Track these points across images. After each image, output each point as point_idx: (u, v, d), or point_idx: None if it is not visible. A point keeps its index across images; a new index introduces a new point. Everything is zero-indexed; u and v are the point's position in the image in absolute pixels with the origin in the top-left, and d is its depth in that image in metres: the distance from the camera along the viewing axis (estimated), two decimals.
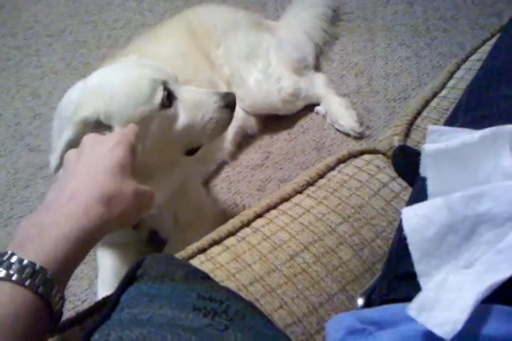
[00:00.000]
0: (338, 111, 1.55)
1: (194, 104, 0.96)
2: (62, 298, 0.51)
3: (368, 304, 0.58)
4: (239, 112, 1.52)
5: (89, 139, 0.67)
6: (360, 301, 0.59)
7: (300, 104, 1.60)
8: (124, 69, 0.97)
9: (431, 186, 0.53)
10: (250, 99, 1.52)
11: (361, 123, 1.53)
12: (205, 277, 0.54)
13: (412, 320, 0.43)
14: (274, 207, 0.74)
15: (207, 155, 1.43)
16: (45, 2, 2.25)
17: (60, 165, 0.85)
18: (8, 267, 0.48)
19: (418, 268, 0.47)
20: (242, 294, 0.60)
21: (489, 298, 0.41)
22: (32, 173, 1.55)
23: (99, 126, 0.85)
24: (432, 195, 0.52)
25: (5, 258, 0.49)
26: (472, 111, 0.65)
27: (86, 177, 0.59)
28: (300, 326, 0.61)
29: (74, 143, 0.82)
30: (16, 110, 1.77)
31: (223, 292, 0.51)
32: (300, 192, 0.76)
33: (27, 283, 0.47)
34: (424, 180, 0.55)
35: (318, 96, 1.60)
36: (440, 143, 0.52)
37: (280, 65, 1.55)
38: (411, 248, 0.47)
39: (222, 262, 0.66)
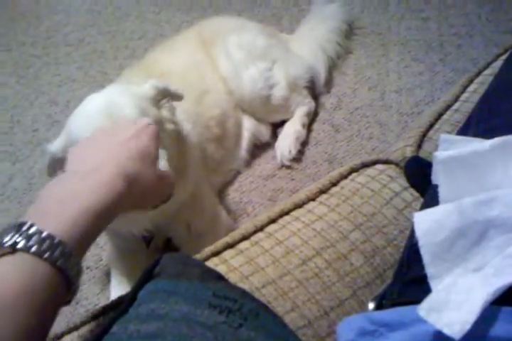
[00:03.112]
0: (286, 136, 1.55)
1: None
2: (80, 271, 0.51)
3: (378, 308, 0.59)
4: (250, 119, 1.54)
5: (121, 123, 0.70)
6: (371, 305, 0.60)
7: (277, 117, 1.61)
8: (90, 110, 0.96)
9: (442, 193, 0.54)
10: (239, 94, 1.50)
11: (294, 159, 1.52)
12: (219, 277, 0.56)
13: (422, 321, 0.44)
14: (287, 212, 0.75)
15: (222, 166, 1.45)
16: (65, 12, 2.30)
17: (49, 173, 1.03)
18: (28, 238, 0.47)
19: (429, 270, 0.48)
20: (255, 296, 0.61)
21: (498, 300, 0.42)
22: (48, 179, 1.57)
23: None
24: (443, 202, 0.53)
25: (24, 228, 0.48)
26: (483, 123, 0.67)
27: (111, 153, 0.60)
28: (311, 329, 0.62)
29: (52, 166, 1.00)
30: (34, 117, 1.81)
31: (237, 292, 0.53)
32: (313, 199, 0.77)
33: (46, 255, 0.47)
34: (436, 187, 0.56)
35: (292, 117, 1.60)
36: (451, 150, 0.54)
37: (281, 74, 1.54)
38: (422, 251, 0.49)
39: (236, 265, 0.68)
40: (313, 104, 1.64)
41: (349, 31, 1.89)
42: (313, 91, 1.69)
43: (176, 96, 1.07)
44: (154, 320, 0.46)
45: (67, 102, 1.83)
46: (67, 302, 0.52)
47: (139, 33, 2.13)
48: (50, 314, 0.48)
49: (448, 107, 0.93)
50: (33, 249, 0.46)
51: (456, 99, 0.93)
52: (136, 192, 0.59)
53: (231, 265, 0.68)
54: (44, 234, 0.48)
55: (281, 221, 0.74)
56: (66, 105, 1.82)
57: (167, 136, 1.00)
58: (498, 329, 0.42)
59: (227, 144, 1.45)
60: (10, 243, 0.46)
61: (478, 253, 0.46)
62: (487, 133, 0.61)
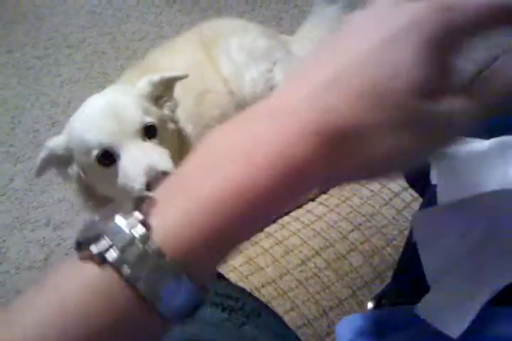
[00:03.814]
0: None
1: (123, 172, 0.92)
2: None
3: (377, 308, 0.60)
4: None
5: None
6: (370, 305, 0.60)
7: None
8: (93, 110, 0.97)
9: (440, 193, 0.54)
10: (240, 95, 1.49)
11: None
12: (220, 276, 0.56)
13: (420, 320, 0.44)
14: (287, 213, 0.76)
15: None
16: (66, 13, 2.30)
17: (36, 175, 1.03)
18: (127, 245, 0.28)
19: (427, 271, 0.48)
20: (255, 295, 0.61)
21: (495, 300, 0.42)
22: (48, 179, 1.58)
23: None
24: (441, 202, 0.53)
25: (125, 223, 0.29)
26: (481, 123, 0.67)
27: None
28: (310, 328, 0.62)
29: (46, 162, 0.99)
30: (35, 118, 1.82)
31: (238, 291, 0.53)
32: (312, 200, 0.78)
33: (141, 287, 0.28)
34: (434, 187, 0.56)
35: None
36: (450, 150, 0.54)
37: (281, 75, 1.52)
38: (420, 251, 0.49)
39: (236, 265, 0.68)
40: None
41: None
42: None
43: (179, 78, 1.06)
44: None
45: (68, 103, 1.84)
46: None
47: (140, 35, 2.13)
48: None
49: None
50: (126, 269, 0.28)
51: None
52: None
53: (231, 264, 0.68)
54: (151, 246, 0.28)
55: (280, 221, 0.75)
56: (67, 106, 1.83)
57: (169, 135, 1.01)
58: (496, 329, 0.42)
59: None
60: (99, 249, 0.28)
61: (477, 254, 0.46)
62: (485, 133, 0.62)
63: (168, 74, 1.04)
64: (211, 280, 0.31)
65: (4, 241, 1.48)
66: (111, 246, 0.28)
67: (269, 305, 0.62)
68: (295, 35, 1.82)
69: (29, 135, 1.76)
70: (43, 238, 1.47)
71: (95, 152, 0.93)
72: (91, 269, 0.28)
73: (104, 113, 0.93)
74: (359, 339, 0.50)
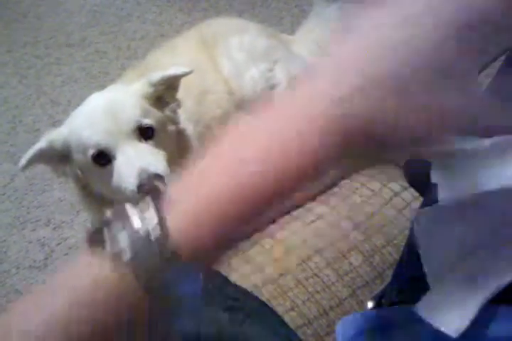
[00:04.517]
0: None
1: (117, 173, 0.92)
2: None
3: (377, 307, 0.60)
4: None
5: None
6: (370, 304, 0.60)
7: None
8: (93, 109, 0.97)
9: (441, 192, 0.54)
10: (240, 94, 1.48)
11: None
12: (221, 276, 0.56)
13: (420, 320, 0.44)
14: (287, 212, 0.76)
15: None
16: (67, 12, 2.30)
17: (25, 165, 0.98)
18: (146, 246, 0.28)
19: (427, 270, 0.48)
20: (255, 295, 0.61)
21: (496, 299, 0.42)
22: (49, 179, 1.58)
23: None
24: (442, 201, 0.53)
25: (141, 224, 0.29)
26: None
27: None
28: (310, 328, 0.62)
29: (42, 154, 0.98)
30: (36, 117, 1.82)
31: (239, 290, 0.53)
32: (313, 199, 0.77)
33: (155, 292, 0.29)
34: (435, 186, 0.56)
35: None
36: (451, 149, 0.54)
37: (282, 75, 1.53)
38: (421, 251, 0.49)
39: (236, 264, 0.68)
40: None
41: None
42: None
43: (181, 75, 1.05)
44: None
45: (69, 102, 1.84)
46: None
47: (141, 34, 2.13)
48: None
49: None
50: (141, 271, 0.28)
51: None
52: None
53: (231, 264, 0.68)
54: (169, 248, 0.28)
55: (281, 220, 0.74)
56: (68, 105, 1.82)
57: (168, 137, 1.01)
58: (497, 327, 0.42)
59: None
60: (115, 248, 0.28)
61: (477, 254, 0.46)
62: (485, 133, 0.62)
63: (169, 72, 1.03)
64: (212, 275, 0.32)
65: (4, 240, 1.48)
66: (127, 247, 0.28)
67: (270, 305, 0.62)
68: (296, 35, 1.82)
69: (30, 134, 1.76)
70: (43, 237, 1.46)
71: (91, 151, 0.93)
72: (104, 268, 0.28)
73: (103, 112, 0.93)
74: (359, 339, 0.50)
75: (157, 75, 1.02)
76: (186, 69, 1.04)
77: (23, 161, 0.97)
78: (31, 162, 0.98)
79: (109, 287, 0.28)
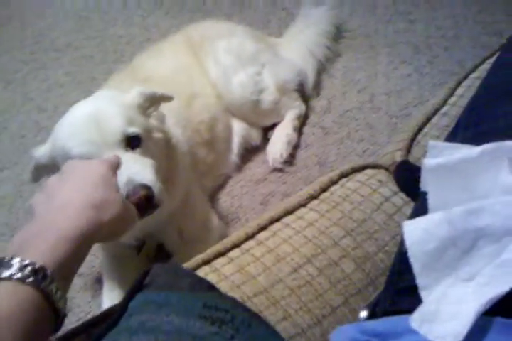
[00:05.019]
0: (278, 140, 1.55)
1: None
2: (64, 297, 0.52)
3: (371, 317, 0.59)
4: (241, 123, 1.54)
5: (71, 164, 0.69)
6: (364, 314, 0.60)
7: (268, 121, 1.60)
8: (77, 119, 0.96)
9: (431, 200, 0.54)
10: (229, 98, 1.49)
11: (285, 162, 1.52)
12: (210, 287, 0.55)
13: (414, 331, 0.44)
14: (278, 219, 0.75)
15: (213, 171, 1.44)
16: (53, 17, 2.29)
17: (32, 178, 1.05)
18: (10, 267, 0.49)
19: (419, 280, 0.48)
20: (247, 305, 0.60)
21: (490, 311, 0.42)
22: (37, 185, 1.56)
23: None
24: (432, 209, 0.53)
25: (6, 260, 0.50)
26: (472, 128, 0.67)
27: (74, 189, 0.61)
28: (304, 337, 0.62)
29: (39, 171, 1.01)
30: (22, 123, 1.80)
31: (228, 302, 0.52)
32: (303, 206, 0.77)
33: (28, 280, 0.49)
34: (425, 194, 0.56)
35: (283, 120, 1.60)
36: (440, 157, 0.54)
37: (270, 78, 1.53)
38: (412, 261, 0.48)
39: (227, 273, 0.67)
40: (303, 107, 1.64)
41: (337, 34, 1.89)
42: (303, 94, 1.69)
43: (166, 99, 1.07)
44: (145, 334, 0.45)
45: (56, 108, 1.82)
46: (55, 330, 0.53)
47: (127, 38, 2.12)
48: (38, 338, 0.48)
49: (436, 111, 0.93)
50: (16, 276, 0.49)
51: (444, 102, 0.94)
52: (106, 218, 0.59)
53: (222, 274, 0.67)
54: (26, 262, 0.50)
55: (272, 228, 0.74)
56: (54, 111, 1.81)
57: (154, 145, 1.00)
58: (491, 340, 0.42)
59: (218, 148, 1.44)
60: (8, 273, 0.49)
61: (468, 263, 0.46)
62: (476, 139, 0.62)
63: (160, 93, 1.06)
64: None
65: None
66: (15, 272, 0.49)
67: (262, 315, 0.62)
68: (283, 37, 1.82)
69: (15, 141, 1.74)
70: None
71: None
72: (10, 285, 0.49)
73: (87, 122, 0.92)
74: None
75: (150, 90, 1.03)
76: (171, 96, 1.09)
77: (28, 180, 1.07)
78: (35, 180, 1.06)
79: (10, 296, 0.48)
